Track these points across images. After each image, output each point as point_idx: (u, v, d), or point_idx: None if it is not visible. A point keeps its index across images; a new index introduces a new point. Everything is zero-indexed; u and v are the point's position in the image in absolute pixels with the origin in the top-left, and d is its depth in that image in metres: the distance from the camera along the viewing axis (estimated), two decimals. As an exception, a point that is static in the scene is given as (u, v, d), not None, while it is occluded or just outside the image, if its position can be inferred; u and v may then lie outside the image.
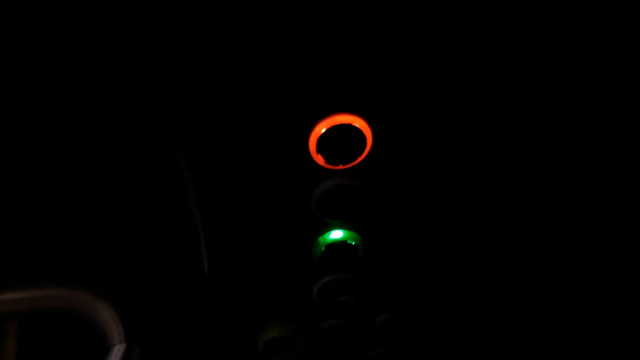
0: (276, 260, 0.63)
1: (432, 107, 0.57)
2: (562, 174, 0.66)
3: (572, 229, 0.69)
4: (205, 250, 0.64)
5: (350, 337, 0.66)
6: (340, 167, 0.51)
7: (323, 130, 0.48)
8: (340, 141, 0.49)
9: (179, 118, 0.59)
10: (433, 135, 0.57)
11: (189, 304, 0.69)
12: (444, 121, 0.57)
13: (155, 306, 0.69)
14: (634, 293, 0.72)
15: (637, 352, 0.74)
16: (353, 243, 0.58)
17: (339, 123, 0.48)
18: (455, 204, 0.63)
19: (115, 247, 0.68)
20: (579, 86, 0.60)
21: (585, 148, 0.64)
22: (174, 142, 0.59)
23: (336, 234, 0.58)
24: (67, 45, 0.60)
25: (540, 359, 0.77)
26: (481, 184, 0.62)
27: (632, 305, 0.73)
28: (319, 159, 0.50)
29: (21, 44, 0.60)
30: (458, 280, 0.68)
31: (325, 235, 0.58)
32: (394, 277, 0.66)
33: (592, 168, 0.65)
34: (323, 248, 0.58)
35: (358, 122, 0.48)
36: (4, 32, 0.59)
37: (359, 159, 0.51)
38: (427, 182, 0.60)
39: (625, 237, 0.70)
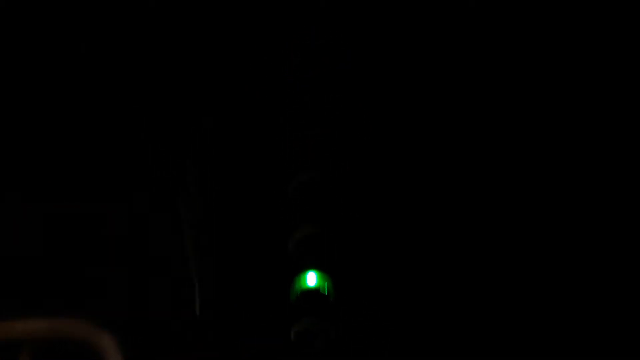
0: (257, 296, 0.67)
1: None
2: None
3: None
4: (198, 293, 0.70)
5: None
6: None
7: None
8: None
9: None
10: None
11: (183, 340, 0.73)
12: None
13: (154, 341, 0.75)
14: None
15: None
16: (326, 293, 0.64)
17: None
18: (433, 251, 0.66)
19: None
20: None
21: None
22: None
23: (311, 280, 0.64)
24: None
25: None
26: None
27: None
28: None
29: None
30: (439, 326, 0.69)
31: (302, 279, 0.64)
32: (369, 325, 0.68)
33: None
34: (297, 293, 0.64)
35: None
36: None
37: None
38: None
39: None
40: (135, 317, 0.75)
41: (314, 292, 0.64)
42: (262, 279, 0.67)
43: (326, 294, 0.64)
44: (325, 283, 0.65)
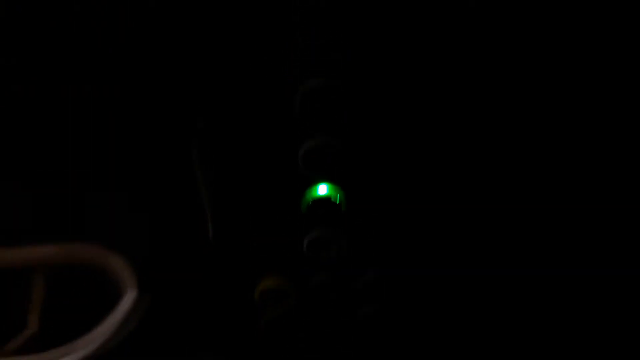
0: (269, 216, 0.66)
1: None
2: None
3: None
4: (211, 217, 0.69)
5: (339, 295, 0.72)
6: None
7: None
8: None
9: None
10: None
11: (195, 261, 0.74)
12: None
13: (166, 263, 0.76)
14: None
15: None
16: (337, 202, 0.63)
17: None
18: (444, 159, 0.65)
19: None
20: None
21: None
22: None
23: (322, 190, 0.64)
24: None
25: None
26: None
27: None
28: None
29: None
30: (449, 241, 0.69)
31: (313, 189, 0.64)
32: (380, 235, 0.68)
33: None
34: (309, 202, 0.63)
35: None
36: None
37: None
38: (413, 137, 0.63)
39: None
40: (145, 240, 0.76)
41: (325, 200, 0.64)
42: (273, 194, 0.66)
43: (337, 202, 0.64)
44: (337, 193, 0.64)
